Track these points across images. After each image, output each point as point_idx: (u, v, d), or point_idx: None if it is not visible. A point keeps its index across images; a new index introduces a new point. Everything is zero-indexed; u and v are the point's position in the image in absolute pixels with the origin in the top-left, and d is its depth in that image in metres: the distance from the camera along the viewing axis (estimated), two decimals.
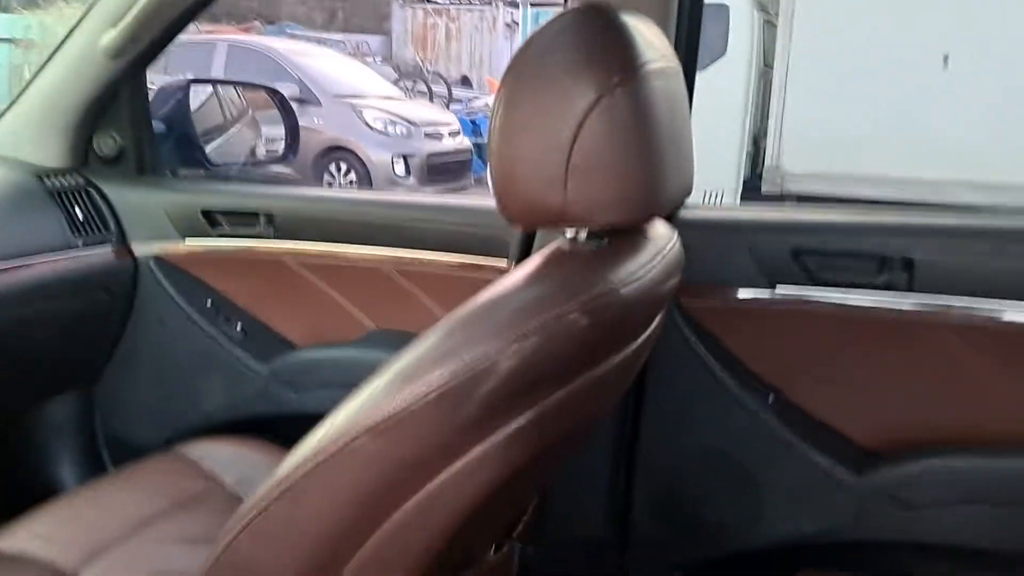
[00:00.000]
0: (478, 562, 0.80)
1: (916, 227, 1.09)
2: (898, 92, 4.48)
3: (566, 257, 0.69)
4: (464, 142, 7.60)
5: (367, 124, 6.91)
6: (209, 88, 1.76)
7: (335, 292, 1.34)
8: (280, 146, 1.76)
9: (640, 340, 0.75)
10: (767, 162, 5.02)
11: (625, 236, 0.73)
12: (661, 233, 0.78)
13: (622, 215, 0.66)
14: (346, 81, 7.39)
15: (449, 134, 7.41)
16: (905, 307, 1.05)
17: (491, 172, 0.70)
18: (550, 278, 0.66)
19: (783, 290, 1.10)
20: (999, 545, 1.07)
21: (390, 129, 6.97)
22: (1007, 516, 1.05)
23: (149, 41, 1.25)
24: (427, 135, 7.11)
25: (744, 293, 1.11)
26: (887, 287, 1.06)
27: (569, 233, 0.71)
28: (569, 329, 0.60)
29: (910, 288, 1.05)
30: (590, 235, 0.70)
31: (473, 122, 8.38)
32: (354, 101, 7.04)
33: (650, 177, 0.66)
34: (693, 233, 0.84)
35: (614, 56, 0.64)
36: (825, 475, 1.09)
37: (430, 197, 1.42)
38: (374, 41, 14.24)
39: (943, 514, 1.06)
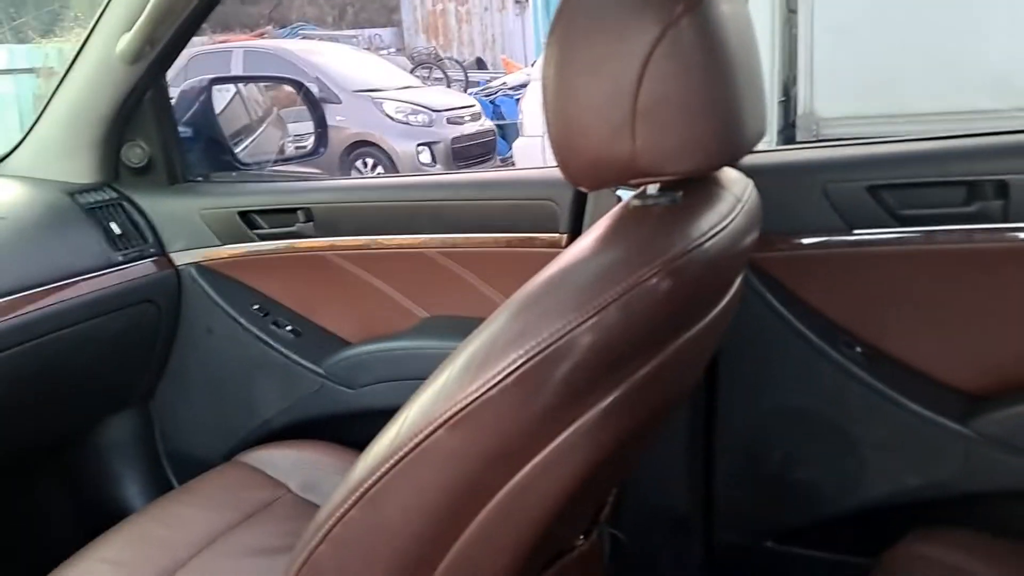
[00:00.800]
0: (568, 550, 0.75)
1: (1007, 146, 1.00)
2: (940, 17, 4.25)
3: (638, 215, 0.63)
4: (486, 123, 7.55)
5: (388, 116, 6.91)
6: (231, 90, 1.72)
7: (382, 283, 1.31)
8: (308, 141, 1.73)
9: (725, 300, 0.69)
10: (800, 109, 4.86)
11: (699, 187, 0.66)
12: (735, 179, 0.72)
13: (698, 162, 0.60)
14: (362, 76, 7.38)
15: (470, 117, 7.38)
16: (1000, 236, 0.97)
17: (548, 132, 0.64)
18: (624, 240, 0.60)
19: (861, 231, 1.02)
20: None
21: (411, 119, 6.96)
22: None
23: (165, 42, 1.21)
24: (449, 121, 7.10)
25: (819, 239, 1.04)
26: (978, 217, 0.97)
27: (637, 189, 0.64)
28: (652, 294, 0.55)
29: (1005, 216, 0.96)
30: (662, 189, 0.64)
31: (493, 103, 8.29)
32: (373, 94, 7.03)
33: (727, 117, 0.60)
34: (758, 178, 0.77)
35: None
36: (927, 425, 1.02)
37: (467, 174, 1.36)
38: (386, 33, 14.22)
39: None
